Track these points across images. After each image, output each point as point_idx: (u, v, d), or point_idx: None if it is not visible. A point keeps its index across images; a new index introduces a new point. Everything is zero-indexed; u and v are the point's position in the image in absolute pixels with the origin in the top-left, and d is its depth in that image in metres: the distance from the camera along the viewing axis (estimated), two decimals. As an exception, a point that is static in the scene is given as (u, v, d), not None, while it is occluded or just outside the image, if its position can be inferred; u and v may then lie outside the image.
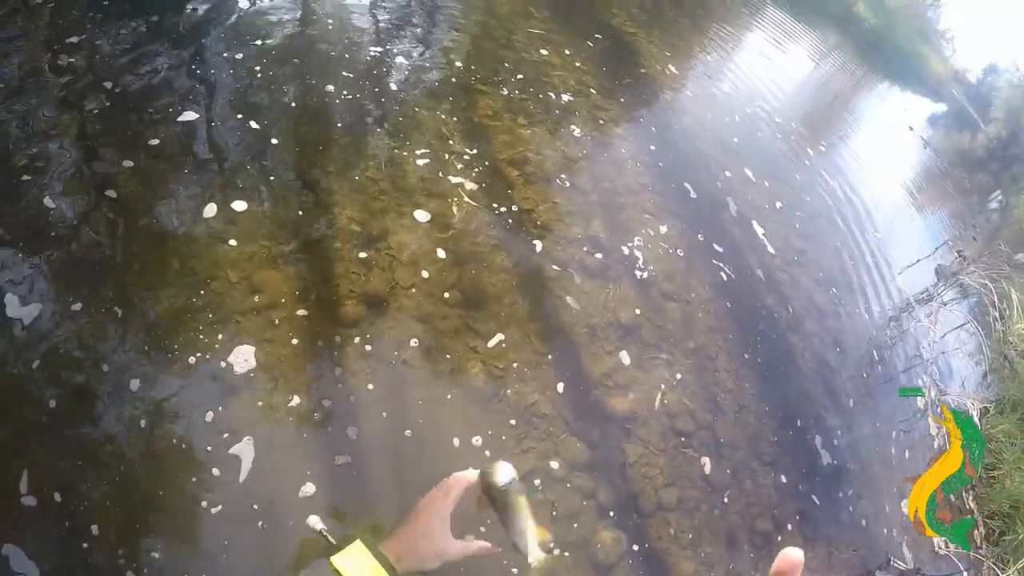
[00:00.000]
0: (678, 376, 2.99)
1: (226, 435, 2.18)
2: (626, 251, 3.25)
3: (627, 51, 5.26)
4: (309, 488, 2.16)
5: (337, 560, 0.93)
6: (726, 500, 2.86)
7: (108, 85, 2.95)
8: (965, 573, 3.43)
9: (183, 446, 2.15)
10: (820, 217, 4.82)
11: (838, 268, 4.53)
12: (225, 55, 3.30)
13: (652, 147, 4.09)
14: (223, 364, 2.31)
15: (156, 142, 2.81)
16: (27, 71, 2.95)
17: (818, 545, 3.03)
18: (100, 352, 2.24)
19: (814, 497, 3.18)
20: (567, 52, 4.58)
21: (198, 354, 2.30)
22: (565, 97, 4.04)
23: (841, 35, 10.71)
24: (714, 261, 3.57)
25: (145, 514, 2.05)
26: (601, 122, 4.04)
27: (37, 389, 2.15)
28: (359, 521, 2.20)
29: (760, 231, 4.07)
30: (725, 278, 3.56)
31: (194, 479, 2.10)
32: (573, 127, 3.80)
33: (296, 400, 2.32)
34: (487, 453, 2.43)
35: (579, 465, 2.57)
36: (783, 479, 3.13)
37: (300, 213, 2.76)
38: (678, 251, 3.41)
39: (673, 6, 6.86)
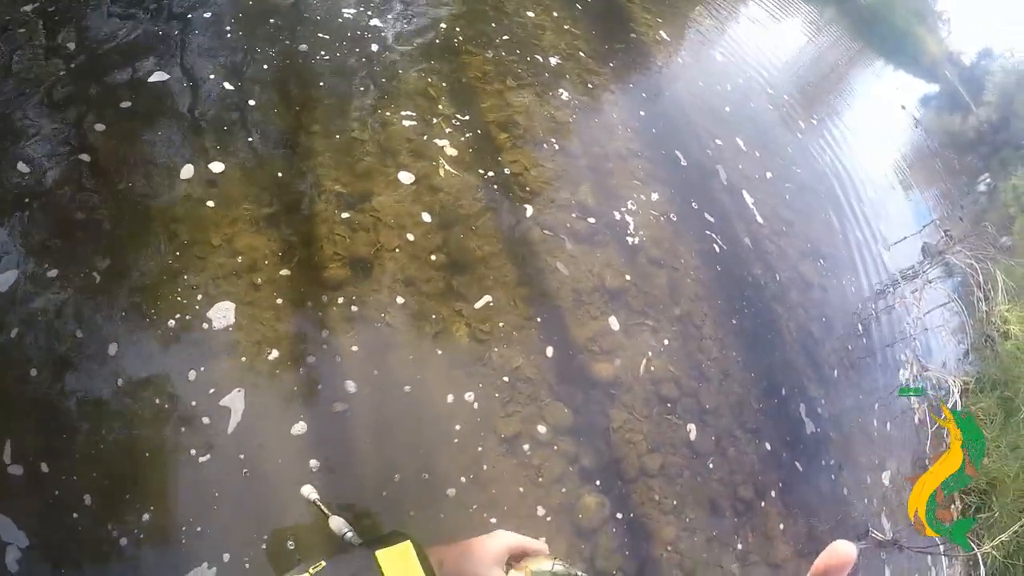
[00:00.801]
0: (664, 343, 3.01)
1: (212, 391, 2.17)
2: (614, 216, 3.24)
3: (618, 15, 5.17)
4: (300, 435, 2.18)
5: (382, 556, 0.88)
6: (709, 467, 2.91)
7: (71, 46, 2.84)
8: (942, 547, 3.54)
9: (167, 406, 2.13)
10: (809, 190, 4.84)
11: (826, 241, 4.56)
12: (199, 14, 3.19)
13: (642, 113, 4.06)
14: (204, 325, 2.29)
15: (128, 104, 2.71)
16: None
17: (798, 514, 3.10)
18: (79, 318, 2.20)
19: (797, 465, 3.25)
20: (557, 15, 4.48)
21: (178, 316, 2.27)
22: (555, 60, 3.97)
23: (838, 9, 10.66)
24: (702, 229, 3.57)
25: (134, 476, 2.04)
26: (591, 86, 3.99)
27: (17, 358, 2.12)
28: (348, 479, 2.21)
29: (749, 200, 4.07)
30: (713, 246, 3.57)
31: (181, 434, 2.09)
32: (562, 91, 3.75)
33: (279, 356, 2.29)
34: (472, 413, 2.46)
35: (563, 430, 2.60)
36: (766, 447, 3.19)
37: (281, 175, 2.70)
38: (666, 218, 3.40)
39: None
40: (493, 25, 4.04)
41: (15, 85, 2.69)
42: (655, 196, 3.50)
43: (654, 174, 3.59)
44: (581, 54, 4.30)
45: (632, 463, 2.71)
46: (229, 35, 3.15)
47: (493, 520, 2.30)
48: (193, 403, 2.15)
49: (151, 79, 2.85)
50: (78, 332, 2.18)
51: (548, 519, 2.41)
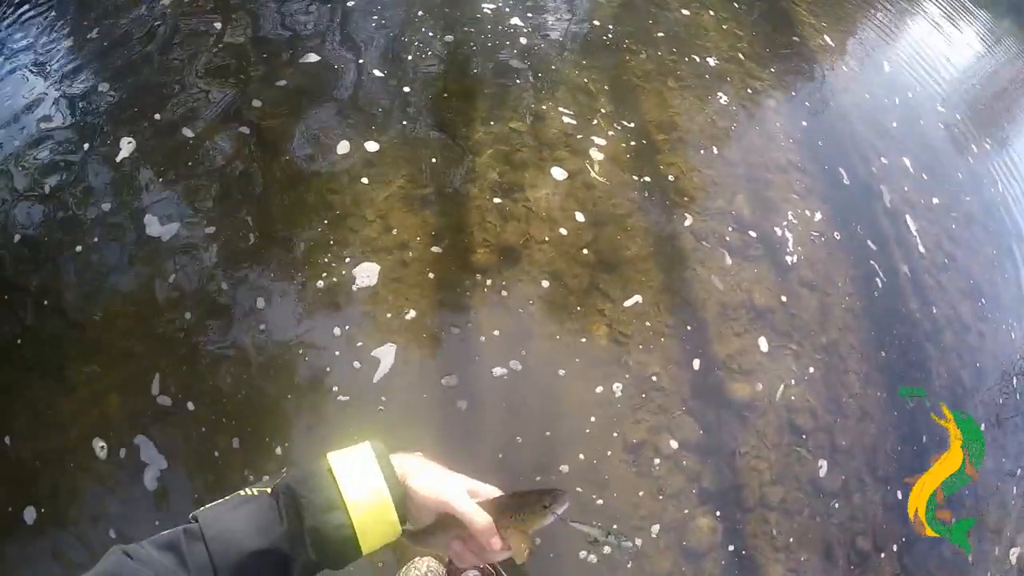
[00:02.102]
0: (806, 370, 2.50)
1: (360, 343, 2.06)
2: (769, 231, 2.71)
3: (782, 17, 4.39)
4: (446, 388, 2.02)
5: (333, 457, 0.73)
6: (832, 509, 2.43)
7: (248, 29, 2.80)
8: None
9: (309, 358, 2.05)
10: (977, 222, 3.89)
11: (990, 280, 3.67)
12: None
13: (804, 123, 3.39)
14: (352, 287, 2.16)
15: (283, 82, 2.63)
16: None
17: (919, 576, 2.55)
18: (231, 273, 2.16)
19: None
20: (718, 14, 3.86)
21: (326, 276, 2.16)
22: (715, 62, 3.40)
23: (1014, 20, 8.60)
24: (861, 254, 2.93)
25: (274, 421, 1.99)
26: (752, 91, 3.39)
27: (172, 301, 2.12)
28: (470, 441, 2.04)
29: (912, 227, 3.32)
30: (869, 273, 2.94)
31: (326, 379, 2.01)
32: (723, 95, 3.20)
33: (424, 322, 2.14)
34: (602, 413, 2.17)
35: (689, 446, 2.23)
36: (895, 497, 2.62)
37: (436, 159, 2.48)
38: (825, 238, 2.81)
39: (837, -26, 5.70)
40: (653, 22, 3.54)
41: (187, 63, 2.69)
42: (812, 213, 2.90)
43: (814, 190, 2.98)
44: (742, 56, 3.67)
45: (753, 491, 2.30)
46: (395, 20, 2.97)
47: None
48: (337, 353, 2.05)
49: (304, 60, 2.74)
50: (228, 285, 2.14)
51: (656, 531, 2.11)
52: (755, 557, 2.22)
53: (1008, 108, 6.33)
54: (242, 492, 0.72)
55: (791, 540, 2.29)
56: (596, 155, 2.60)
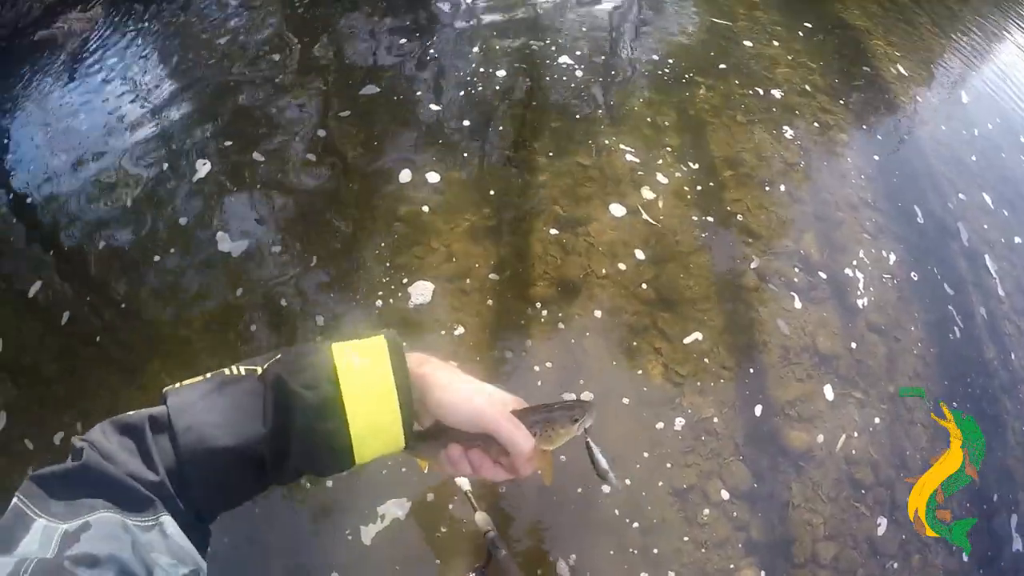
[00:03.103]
0: (871, 421, 2.19)
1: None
2: (838, 272, 2.37)
3: (855, 47, 3.90)
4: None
5: (338, 348, 0.55)
6: (888, 571, 2.11)
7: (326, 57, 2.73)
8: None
9: None
10: (1063, 265, 3.33)
11: (1073, 328, 3.12)
12: (444, 27, 2.89)
13: (877, 158, 2.97)
14: (410, 305, 2.04)
15: (347, 113, 2.56)
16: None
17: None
18: (294, 289, 2.10)
19: None
20: (789, 45, 3.46)
21: (384, 298, 2.05)
22: (785, 94, 3.04)
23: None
24: (935, 298, 2.52)
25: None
26: (822, 126, 2.98)
27: (238, 313, 2.08)
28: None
29: (992, 268, 2.85)
30: (943, 318, 2.53)
31: None
32: (793, 129, 2.83)
33: (479, 344, 1.99)
34: (652, 453, 1.95)
35: (739, 493, 1.96)
36: (958, 564, 2.25)
37: (501, 190, 2.32)
38: (897, 280, 2.43)
39: (913, 2, 5.04)
40: (723, 55, 3.20)
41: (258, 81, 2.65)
42: (884, 253, 2.51)
43: (886, 228, 2.59)
44: (812, 89, 3.26)
45: (804, 547, 2.00)
46: (468, 50, 2.83)
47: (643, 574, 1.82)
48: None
49: (369, 91, 2.65)
50: (289, 301, 2.08)
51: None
52: (803, 615, 1.95)
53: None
54: (226, 371, 0.57)
55: (846, 599, 2.00)
56: (661, 191, 2.36)
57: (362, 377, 0.53)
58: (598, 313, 2.07)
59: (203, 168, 2.43)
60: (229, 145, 2.52)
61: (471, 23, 3.01)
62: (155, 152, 2.59)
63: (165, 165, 2.52)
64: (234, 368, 0.57)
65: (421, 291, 2.13)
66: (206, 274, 2.17)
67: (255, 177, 2.40)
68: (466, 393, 0.57)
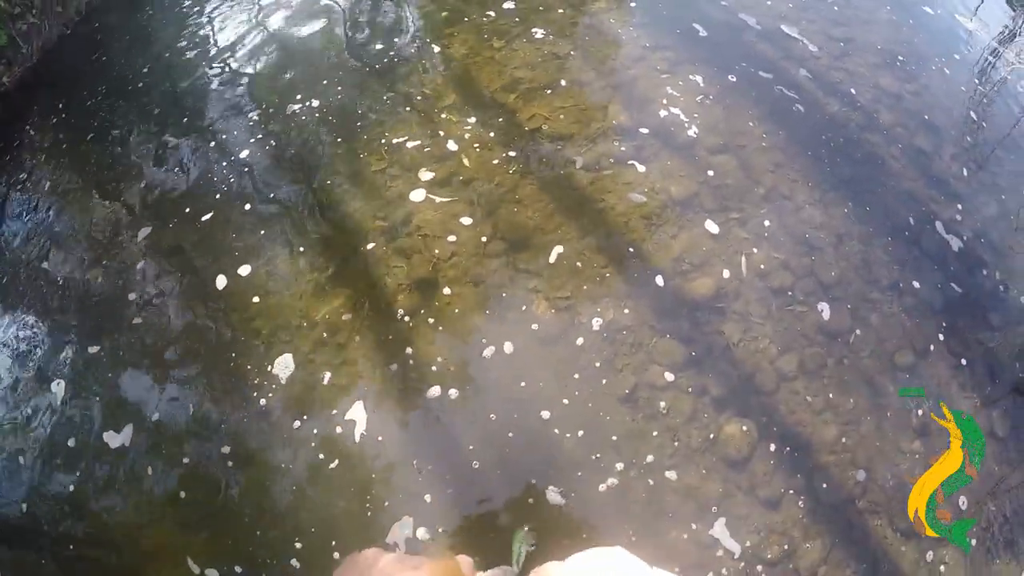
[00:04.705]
0: (758, 230, 2.09)
1: (333, 412, 1.76)
2: (654, 122, 2.27)
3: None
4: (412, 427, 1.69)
5: None
6: (854, 344, 2.00)
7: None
8: None
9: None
10: None
11: (894, 40, 3.04)
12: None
13: (633, 4, 2.84)
14: (282, 380, 1.87)
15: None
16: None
17: (975, 356, 2.08)
18: (191, 422, 1.90)
19: (951, 308, 2.12)
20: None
21: (299, 416, 1.83)
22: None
23: None
24: (755, 89, 2.43)
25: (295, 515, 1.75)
26: (571, 7, 2.88)
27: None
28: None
29: (793, 33, 2.78)
30: (772, 106, 2.43)
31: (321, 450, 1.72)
32: (546, 26, 2.73)
33: (375, 373, 1.82)
34: (579, 381, 1.83)
35: (679, 366, 1.84)
36: (910, 298, 2.14)
37: (325, 233, 2.14)
38: (712, 96, 2.34)
39: None
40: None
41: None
42: (695, 79, 2.42)
43: (677, 59, 2.49)
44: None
45: (767, 373, 1.89)
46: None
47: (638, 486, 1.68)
48: (322, 423, 1.78)
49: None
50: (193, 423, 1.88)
51: (694, 463, 1.73)
52: (801, 432, 1.83)
53: None
54: None
55: (830, 395, 1.89)
56: (460, 149, 2.22)
57: None
58: (461, 290, 1.93)
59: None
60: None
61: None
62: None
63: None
64: None
65: (285, 364, 1.94)
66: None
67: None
68: None
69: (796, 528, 1.72)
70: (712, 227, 2.07)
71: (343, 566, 0.54)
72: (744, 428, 1.77)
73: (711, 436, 1.76)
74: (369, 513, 1.69)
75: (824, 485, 1.77)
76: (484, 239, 1.99)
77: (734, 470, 1.73)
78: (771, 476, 1.74)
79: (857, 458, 1.81)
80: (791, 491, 1.74)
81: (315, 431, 1.80)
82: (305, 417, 1.83)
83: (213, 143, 2.56)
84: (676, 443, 1.74)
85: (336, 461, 1.75)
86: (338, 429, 1.79)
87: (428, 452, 1.75)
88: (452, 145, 2.23)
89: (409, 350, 1.84)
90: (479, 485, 1.70)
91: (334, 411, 1.80)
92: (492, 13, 2.68)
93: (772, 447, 1.79)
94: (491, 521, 1.64)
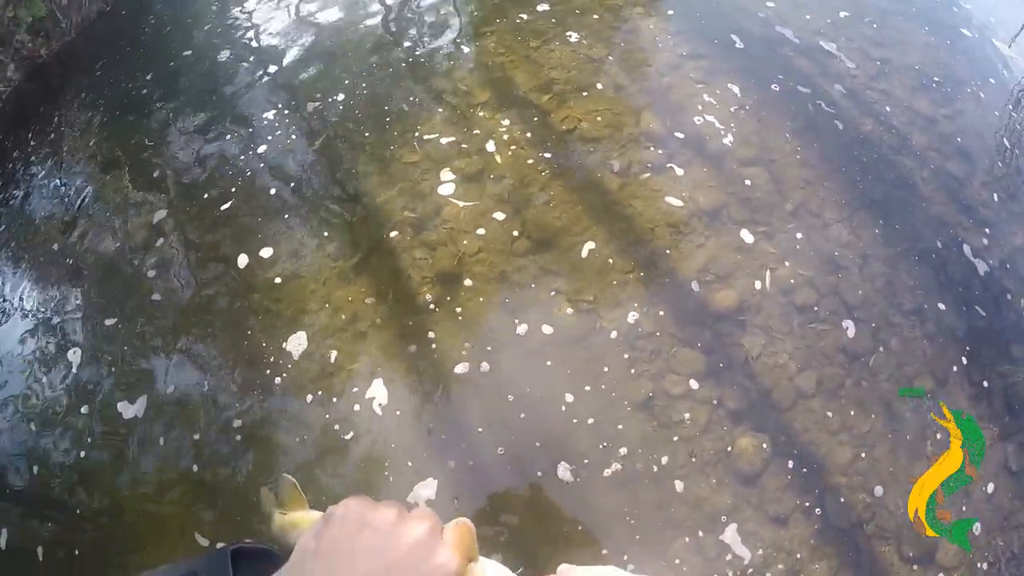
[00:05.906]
0: (784, 246, 2.03)
1: (355, 389, 1.76)
2: (687, 130, 2.21)
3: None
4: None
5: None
6: (875, 364, 1.94)
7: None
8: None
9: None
10: (895, 13, 3.18)
11: (931, 62, 2.95)
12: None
13: (671, 12, 2.80)
14: (336, 399, 1.82)
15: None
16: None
17: (994, 387, 2.00)
18: (209, 389, 1.88)
19: (973, 336, 2.04)
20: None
21: (315, 393, 1.82)
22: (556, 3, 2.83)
23: None
24: (791, 104, 2.36)
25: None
26: (608, 10, 2.80)
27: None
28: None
29: (831, 49, 2.69)
30: (806, 121, 2.36)
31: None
32: (591, 28, 2.67)
33: (393, 360, 1.80)
34: (600, 388, 1.76)
35: (698, 376, 1.79)
36: (933, 324, 2.06)
37: (351, 223, 2.12)
38: (748, 107, 2.27)
39: None
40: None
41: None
42: (731, 89, 2.35)
43: (714, 69, 2.42)
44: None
45: (784, 389, 1.84)
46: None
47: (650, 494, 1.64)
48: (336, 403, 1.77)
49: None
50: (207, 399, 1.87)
51: (704, 473, 1.69)
52: (815, 452, 1.78)
53: None
54: None
55: (846, 416, 1.84)
56: (495, 148, 2.17)
57: None
58: (485, 285, 1.89)
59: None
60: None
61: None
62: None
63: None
64: None
65: (301, 342, 1.91)
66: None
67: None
68: None
69: (803, 548, 1.68)
70: (739, 239, 2.02)
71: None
72: (757, 443, 1.73)
73: (726, 449, 1.72)
74: (383, 485, 1.68)
75: (834, 507, 1.72)
76: (511, 237, 1.95)
77: (745, 485, 1.68)
78: (782, 493, 1.70)
79: (869, 482, 1.76)
80: (801, 510, 1.70)
81: (330, 410, 1.78)
82: (320, 394, 1.81)
83: (243, 126, 2.55)
84: (689, 453, 1.70)
85: (351, 434, 1.73)
86: (356, 407, 1.77)
87: (443, 426, 1.73)
88: (484, 142, 2.19)
89: (431, 334, 1.81)
90: (493, 466, 1.67)
91: (354, 389, 1.79)
92: (526, 15, 2.62)
93: (785, 464, 1.74)
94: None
